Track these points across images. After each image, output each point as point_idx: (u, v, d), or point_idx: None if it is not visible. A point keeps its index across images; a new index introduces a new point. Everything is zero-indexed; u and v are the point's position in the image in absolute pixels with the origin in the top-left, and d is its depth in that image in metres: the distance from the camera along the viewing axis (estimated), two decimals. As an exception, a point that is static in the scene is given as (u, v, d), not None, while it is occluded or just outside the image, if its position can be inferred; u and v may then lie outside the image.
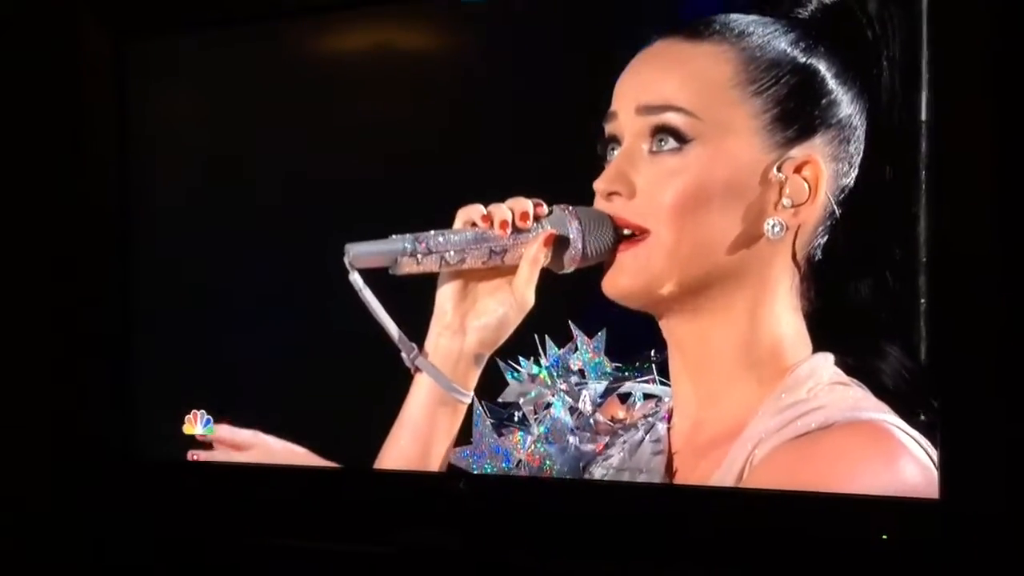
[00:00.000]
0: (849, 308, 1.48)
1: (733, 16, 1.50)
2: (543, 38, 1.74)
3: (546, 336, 1.64)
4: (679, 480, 1.54)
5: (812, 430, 1.41)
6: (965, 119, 1.45)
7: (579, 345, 1.64)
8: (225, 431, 1.90)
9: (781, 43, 1.47)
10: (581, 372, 1.64)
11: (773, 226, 1.45)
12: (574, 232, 1.52)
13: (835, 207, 1.45)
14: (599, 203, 1.54)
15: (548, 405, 1.65)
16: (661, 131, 1.47)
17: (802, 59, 1.47)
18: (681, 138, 1.46)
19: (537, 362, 1.65)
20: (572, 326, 1.64)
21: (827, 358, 1.46)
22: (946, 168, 1.45)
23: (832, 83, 1.46)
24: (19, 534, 1.99)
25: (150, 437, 2.01)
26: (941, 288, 1.45)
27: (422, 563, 1.77)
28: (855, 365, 1.46)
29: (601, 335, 1.63)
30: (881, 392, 1.44)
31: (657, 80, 1.50)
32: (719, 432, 1.50)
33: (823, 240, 1.48)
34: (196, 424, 1.93)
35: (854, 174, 1.46)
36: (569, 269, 1.55)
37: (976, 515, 1.42)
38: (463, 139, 1.79)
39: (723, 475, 1.47)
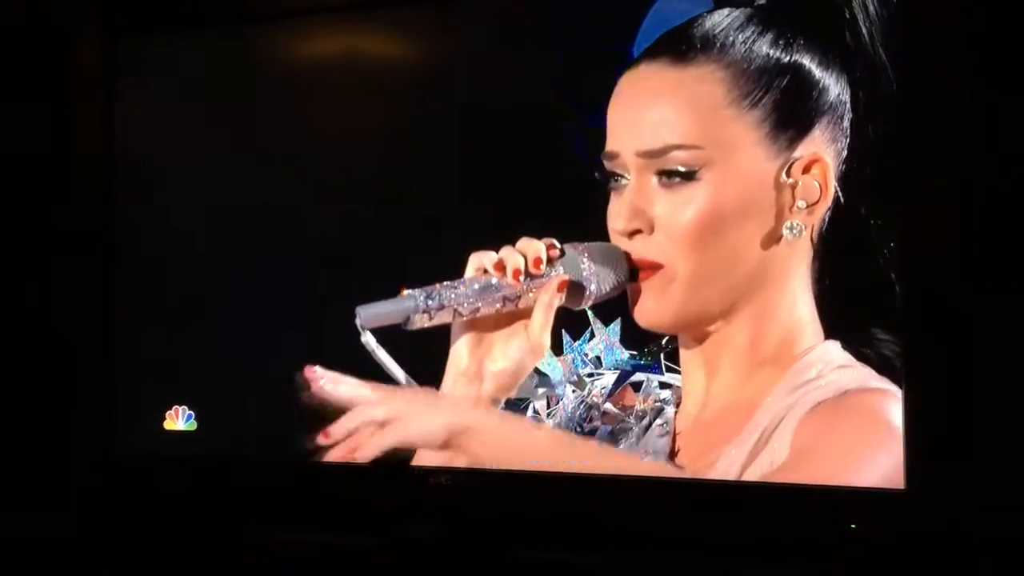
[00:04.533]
0: (855, 282, 1.49)
1: (708, 26, 1.49)
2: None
3: (562, 330, 1.61)
4: (682, 459, 1.57)
5: (830, 397, 1.44)
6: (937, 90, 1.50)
7: (595, 333, 1.62)
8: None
9: (763, 47, 1.48)
10: (598, 360, 1.63)
11: (791, 228, 1.46)
12: (588, 272, 1.49)
13: (840, 194, 1.46)
14: (618, 242, 1.53)
15: (559, 400, 1.64)
16: (668, 170, 1.47)
17: (786, 59, 1.47)
18: (689, 170, 1.46)
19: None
20: (589, 314, 1.61)
21: (835, 344, 1.48)
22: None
23: (818, 72, 1.47)
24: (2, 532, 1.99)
25: (132, 433, 1.99)
26: (912, 276, 1.48)
27: (406, 555, 1.79)
28: (864, 349, 1.48)
29: (616, 324, 1.61)
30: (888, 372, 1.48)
31: (653, 119, 1.49)
32: (725, 410, 1.52)
33: (828, 218, 1.49)
34: (178, 420, 1.90)
35: (847, 140, 1.48)
36: (586, 306, 1.52)
37: (940, 505, 1.48)
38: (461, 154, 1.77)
39: (737, 449, 1.49)
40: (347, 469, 1.74)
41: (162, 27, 1.95)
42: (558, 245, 1.50)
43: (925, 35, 1.48)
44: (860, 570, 1.54)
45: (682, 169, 1.45)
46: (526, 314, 1.48)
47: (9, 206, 2.01)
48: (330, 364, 1.72)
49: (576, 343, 1.62)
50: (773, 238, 1.46)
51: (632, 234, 1.49)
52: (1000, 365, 1.50)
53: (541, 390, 1.63)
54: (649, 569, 1.65)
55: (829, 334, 1.47)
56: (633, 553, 1.66)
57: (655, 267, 1.48)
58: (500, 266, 1.48)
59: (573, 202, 1.57)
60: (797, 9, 1.48)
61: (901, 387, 1.45)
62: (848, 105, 1.46)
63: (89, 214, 2.01)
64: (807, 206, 1.45)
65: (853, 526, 1.51)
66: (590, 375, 1.62)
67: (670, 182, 1.46)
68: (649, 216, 1.48)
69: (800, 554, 1.56)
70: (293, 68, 1.87)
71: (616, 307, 1.56)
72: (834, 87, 1.46)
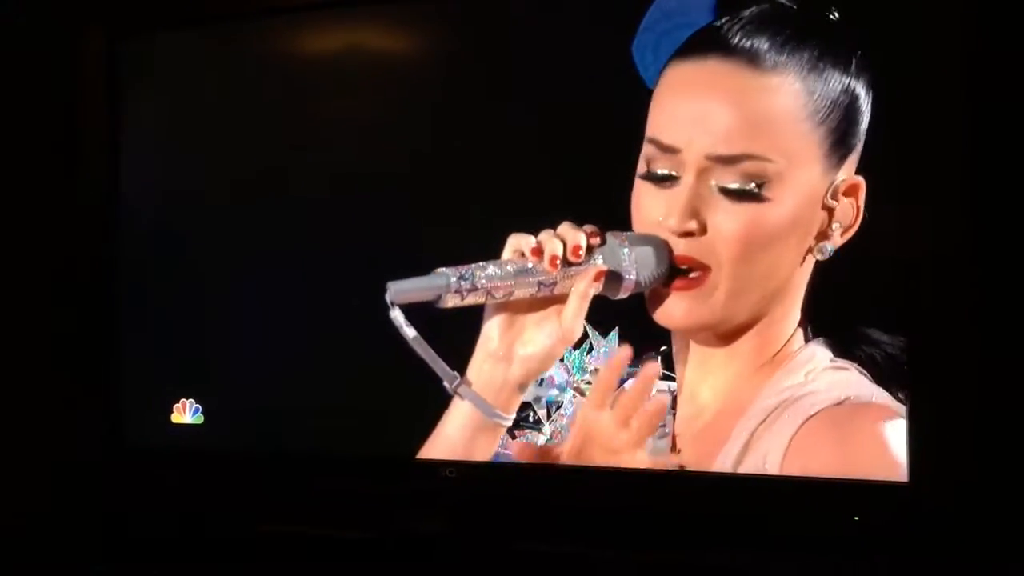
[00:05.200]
0: (849, 284, 1.53)
1: (778, 31, 1.46)
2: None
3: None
4: (682, 459, 1.58)
5: (828, 407, 1.47)
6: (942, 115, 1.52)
7: (592, 344, 1.63)
8: None
9: (828, 65, 1.46)
10: (597, 372, 1.64)
11: (822, 251, 1.47)
12: (627, 263, 1.48)
13: (866, 214, 1.48)
14: (668, 239, 1.51)
15: (560, 406, 1.65)
16: (735, 176, 1.45)
17: (847, 79, 1.46)
18: (757, 181, 1.45)
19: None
20: (586, 325, 1.61)
21: (821, 345, 1.51)
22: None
23: (864, 95, 1.47)
24: (10, 529, 1.96)
25: (139, 427, 1.96)
26: (910, 276, 1.51)
27: (410, 549, 1.79)
28: (852, 349, 1.52)
29: (613, 334, 1.63)
30: (875, 372, 1.50)
31: (727, 123, 1.45)
32: (721, 411, 1.55)
33: None
34: (185, 413, 1.89)
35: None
36: (623, 296, 1.51)
37: (942, 498, 1.52)
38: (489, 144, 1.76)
39: (728, 450, 1.53)
40: (354, 463, 1.80)
41: (164, 25, 1.95)
42: (600, 233, 1.48)
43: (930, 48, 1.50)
44: (863, 562, 1.56)
45: (752, 174, 1.43)
46: (561, 299, 1.47)
47: (13, 203, 2.02)
48: (332, 359, 1.81)
49: (575, 353, 1.63)
50: (805, 256, 1.47)
51: (684, 234, 1.48)
52: (1002, 360, 1.53)
53: (543, 397, 1.64)
54: (652, 562, 1.66)
55: (819, 333, 1.50)
56: (637, 546, 1.67)
57: (703, 269, 1.47)
58: (537, 251, 1.46)
59: (609, 192, 1.56)
60: (857, 24, 1.48)
61: (902, 385, 1.47)
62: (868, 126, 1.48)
63: (94, 209, 2.01)
64: (840, 228, 1.46)
65: (856, 518, 1.53)
66: (588, 383, 1.63)
67: (732, 189, 1.44)
68: (703, 219, 1.46)
69: (802, 546, 1.58)
70: (298, 63, 1.86)
71: (613, 317, 1.59)
72: (869, 110, 1.47)
